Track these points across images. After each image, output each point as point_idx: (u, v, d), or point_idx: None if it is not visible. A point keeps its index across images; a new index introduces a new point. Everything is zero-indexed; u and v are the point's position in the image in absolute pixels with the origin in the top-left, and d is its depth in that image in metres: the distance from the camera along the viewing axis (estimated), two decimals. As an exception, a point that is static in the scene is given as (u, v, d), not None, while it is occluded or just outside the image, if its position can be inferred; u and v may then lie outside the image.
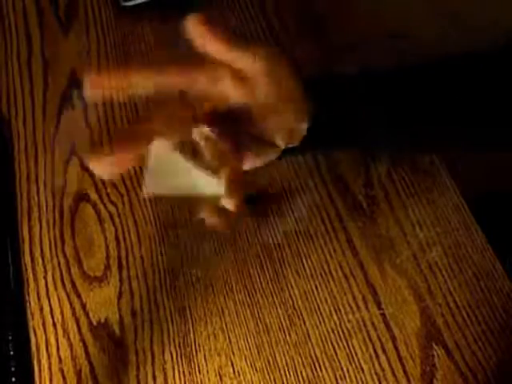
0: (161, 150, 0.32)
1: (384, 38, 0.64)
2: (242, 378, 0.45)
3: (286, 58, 0.36)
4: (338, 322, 0.47)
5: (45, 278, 0.48)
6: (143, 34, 0.62)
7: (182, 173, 0.33)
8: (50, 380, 0.44)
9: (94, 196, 0.52)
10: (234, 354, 0.46)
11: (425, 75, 0.41)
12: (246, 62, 0.33)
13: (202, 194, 0.34)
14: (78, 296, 0.48)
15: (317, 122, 0.38)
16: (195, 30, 0.32)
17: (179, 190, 0.34)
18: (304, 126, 0.37)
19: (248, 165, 0.37)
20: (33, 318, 0.47)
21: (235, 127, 0.35)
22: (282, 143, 0.37)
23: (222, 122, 0.34)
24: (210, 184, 0.33)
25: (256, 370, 0.45)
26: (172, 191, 0.34)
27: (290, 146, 0.39)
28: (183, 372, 0.45)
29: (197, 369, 0.45)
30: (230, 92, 0.34)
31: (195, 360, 0.45)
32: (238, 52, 0.33)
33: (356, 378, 0.45)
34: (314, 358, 0.45)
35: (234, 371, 0.45)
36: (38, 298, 0.47)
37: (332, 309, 0.47)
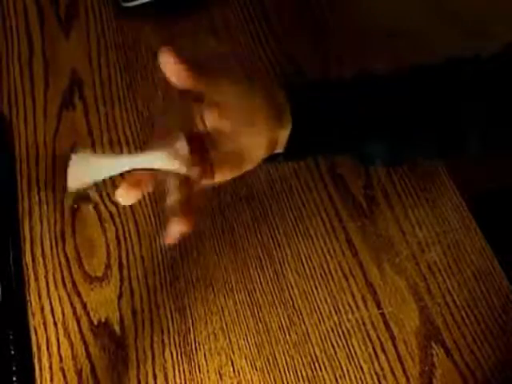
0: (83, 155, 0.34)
1: (383, 37, 0.64)
2: (241, 377, 0.45)
3: (253, 77, 0.39)
4: (337, 322, 0.47)
5: (46, 277, 0.48)
6: (143, 34, 0.62)
7: (106, 162, 0.34)
8: (51, 379, 0.44)
9: (94, 196, 0.52)
10: (233, 353, 0.46)
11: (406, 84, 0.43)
12: (213, 90, 0.36)
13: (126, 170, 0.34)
14: (79, 295, 0.48)
15: (304, 128, 0.39)
16: (165, 67, 0.34)
17: (107, 173, 0.34)
18: (280, 135, 0.39)
19: (220, 177, 0.38)
20: (34, 318, 0.47)
21: (210, 144, 0.37)
22: (259, 154, 0.39)
23: (196, 141, 0.36)
24: (143, 160, 0.33)
25: (256, 369, 0.45)
26: (98, 178, 0.34)
27: (274, 152, 0.40)
28: (183, 371, 0.45)
29: (197, 368, 0.45)
30: (206, 117, 0.36)
31: (195, 359, 0.45)
32: (205, 83, 0.36)
33: (355, 377, 0.45)
34: (314, 358, 0.46)
35: (233, 370, 0.45)
36: (39, 298, 0.47)
37: (331, 308, 0.48)
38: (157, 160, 0.33)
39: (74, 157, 0.35)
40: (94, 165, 0.34)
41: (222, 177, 0.38)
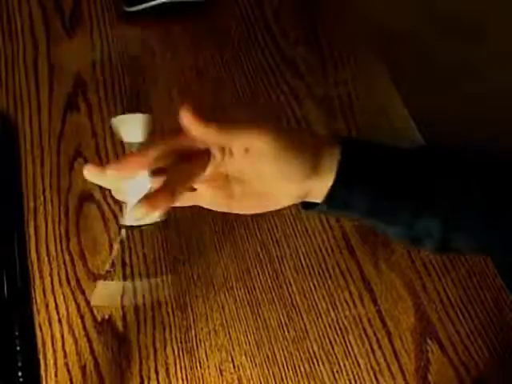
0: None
1: (381, 40, 0.65)
2: (241, 372, 0.46)
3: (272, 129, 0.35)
4: (334, 319, 0.48)
5: (50, 275, 0.49)
6: (146, 38, 0.63)
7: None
8: (56, 374, 0.45)
9: (98, 196, 0.53)
10: (233, 349, 0.46)
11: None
12: (237, 142, 0.34)
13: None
14: (83, 293, 0.48)
15: (348, 185, 0.35)
16: (186, 124, 0.33)
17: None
18: (314, 187, 0.35)
19: (238, 210, 0.37)
20: (39, 315, 0.47)
21: (234, 180, 0.36)
22: (285, 202, 0.37)
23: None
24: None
25: (255, 365, 0.46)
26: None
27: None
28: (184, 367, 0.46)
29: (198, 364, 0.46)
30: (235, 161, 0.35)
31: (196, 355, 0.46)
32: (227, 135, 0.34)
33: (352, 372, 0.46)
34: (312, 354, 0.47)
35: (234, 366, 0.46)
36: (44, 295, 0.48)
37: (329, 305, 0.49)
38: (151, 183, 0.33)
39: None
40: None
41: (239, 210, 0.37)
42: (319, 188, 0.36)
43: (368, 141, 0.37)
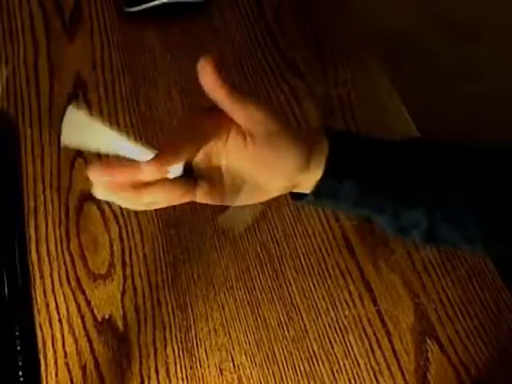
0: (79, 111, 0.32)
1: (381, 41, 0.65)
2: (241, 372, 0.46)
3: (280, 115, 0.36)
4: (334, 318, 0.48)
5: (51, 275, 0.49)
6: (146, 38, 0.64)
7: (100, 132, 0.33)
8: (56, 374, 0.45)
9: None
10: (233, 348, 0.47)
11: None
12: (246, 114, 0.34)
13: (119, 155, 0.34)
14: (83, 293, 0.49)
15: (336, 177, 0.36)
16: (205, 76, 0.33)
17: (96, 145, 0.33)
18: (304, 179, 0.36)
19: (227, 201, 0.37)
20: (39, 314, 0.48)
21: (225, 168, 0.36)
22: (273, 193, 0.37)
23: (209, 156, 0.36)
24: (131, 149, 0.33)
25: (255, 364, 0.46)
26: (88, 146, 0.33)
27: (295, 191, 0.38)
28: (185, 366, 0.46)
29: (198, 363, 0.46)
30: (229, 143, 0.36)
31: (196, 355, 0.46)
32: (241, 104, 0.34)
33: (352, 372, 0.46)
34: (312, 353, 0.47)
35: (234, 366, 0.46)
36: (44, 295, 0.48)
37: (329, 305, 0.49)
38: (145, 156, 0.33)
39: (70, 109, 0.32)
40: (87, 127, 0.33)
41: (231, 202, 0.37)
42: (307, 181, 0.37)
43: (355, 134, 0.39)
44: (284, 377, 0.46)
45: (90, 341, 0.47)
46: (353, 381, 0.46)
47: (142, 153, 0.34)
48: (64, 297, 0.48)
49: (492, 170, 0.38)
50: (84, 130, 0.33)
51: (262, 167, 0.36)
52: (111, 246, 0.51)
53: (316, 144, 0.36)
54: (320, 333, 0.47)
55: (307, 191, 0.38)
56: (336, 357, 0.47)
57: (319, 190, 0.37)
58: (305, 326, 0.48)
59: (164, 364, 0.46)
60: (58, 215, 0.52)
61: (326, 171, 0.36)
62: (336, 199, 0.38)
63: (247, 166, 0.36)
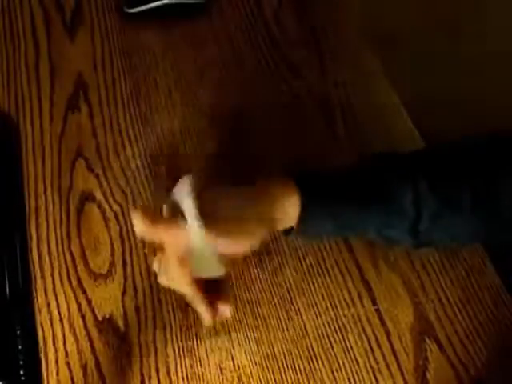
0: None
1: (380, 41, 0.65)
2: (241, 371, 0.46)
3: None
4: (334, 317, 0.48)
5: (52, 274, 0.49)
6: (147, 39, 0.64)
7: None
8: (57, 373, 0.45)
9: (99, 196, 0.53)
10: (234, 348, 0.47)
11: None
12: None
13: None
14: (84, 292, 0.49)
15: (314, 211, 0.39)
16: (140, 226, 0.35)
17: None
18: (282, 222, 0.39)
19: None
20: (40, 314, 0.48)
21: None
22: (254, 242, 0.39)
23: None
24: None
25: (255, 363, 0.46)
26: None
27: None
28: (185, 365, 0.46)
29: (198, 362, 0.46)
30: None
31: (197, 354, 0.46)
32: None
33: (351, 370, 0.46)
34: (311, 352, 0.47)
35: (234, 365, 0.46)
36: (45, 294, 0.48)
37: (328, 304, 0.49)
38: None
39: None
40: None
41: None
42: (287, 225, 0.40)
43: (319, 173, 0.40)
44: (284, 376, 0.46)
45: (90, 340, 0.47)
46: (352, 380, 0.46)
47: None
48: (65, 296, 0.48)
49: (460, 172, 0.39)
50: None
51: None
52: (112, 245, 0.51)
53: (283, 201, 0.39)
54: (319, 332, 0.48)
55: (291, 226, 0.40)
56: (335, 356, 0.47)
57: (300, 232, 0.40)
58: (304, 325, 0.48)
59: (164, 363, 0.46)
60: (59, 215, 0.52)
61: (302, 219, 0.39)
62: (318, 235, 0.42)
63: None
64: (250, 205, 0.38)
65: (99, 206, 0.53)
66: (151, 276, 0.50)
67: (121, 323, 0.47)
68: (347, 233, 0.41)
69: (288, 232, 0.41)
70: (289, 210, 0.39)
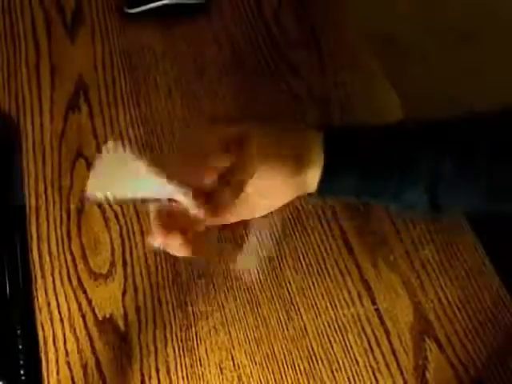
0: (112, 151, 0.33)
1: (378, 43, 0.65)
2: (241, 370, 0.46)
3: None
4: (333, 317, 0.48)
5: (52, 274, 0.50)
6: (147, 39, 0.64)
7: (130, 173, 0.32)
8: (57, 372, 0.46)
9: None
10: (234, 347, 0.47)
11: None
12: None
13: (149, 197, 0.33)
14: (84, 292, 0.49)
15: (337, 168, 0.38)
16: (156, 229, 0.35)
17: (124, 191, 0.33)
18: (308, 178, 0.38)
19: (234, 218, 0.39)
20: (40, 313, 0.48)
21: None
22: (282, 202, 0.39)
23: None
24: (162, 188, 0.33)
25: (255, 363, 0.46)
26: (116, 193, 0.32)
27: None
28: (185, 365, 0.46)
29: (198, 362, 0.46)
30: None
31: (197, 353, 0.47)
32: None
33: (351, 370, 0.46)
34: (311, 352, 0.47)
35: (234, 364, 0.46)
36: (46, 294, 0.49)
37: (328, 304, 0.49)
38: (178, 195, 0.33)
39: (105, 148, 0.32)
40: (117, 170, 0.32)
41: (236, 217, 0.38)
42: (310, 182, 0.38)
43: (347, 127, 0.40)
44: (283, 375, 0.46)
45: (91, 340, 0.47)
46: (352, 379, 0.46)
47: (174, 191, 0.33)
48: (65, 296, 0.49)
49: (474, 137, 0.40)
50: (114, 174, 0.33)
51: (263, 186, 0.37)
52: (112, 245, 0.51)
53: (311, 146, 0.38)
54: (319, 332, 0.48)
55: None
56: (335, 355, 0.47)
57: (320, 190, 0.38)
58: (304, 324, 0.48)
59: (164, 362, 0.46)
60: (60, 215, 0.52)
61: (326, 170, 0.37)
62: (337, 195, 0.40)
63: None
64: (283, 136, 0.38)
65: (99, 206, 0.53)
66: (151, 276, 0.50)
67: (121, 323, 0.48)
68: (367, 190, 0.40)
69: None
70: (315, 150, 0.38)
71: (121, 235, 0.52)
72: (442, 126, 0.40)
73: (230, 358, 0.46)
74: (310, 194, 0.40)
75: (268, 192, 0.38)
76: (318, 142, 0.38)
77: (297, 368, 0.46)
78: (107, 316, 0.48)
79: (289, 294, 0.49)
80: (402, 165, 0.39)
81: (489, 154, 0.39)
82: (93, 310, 0.48)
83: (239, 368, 0.46)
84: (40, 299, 0.48)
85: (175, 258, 0.51)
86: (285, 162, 0.37)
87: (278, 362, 0.46)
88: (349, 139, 0.39)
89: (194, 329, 0.48)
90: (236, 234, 0.52)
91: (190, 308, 0.48)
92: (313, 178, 0.38)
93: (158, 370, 0.46)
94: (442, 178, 0.39)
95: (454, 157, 0.39)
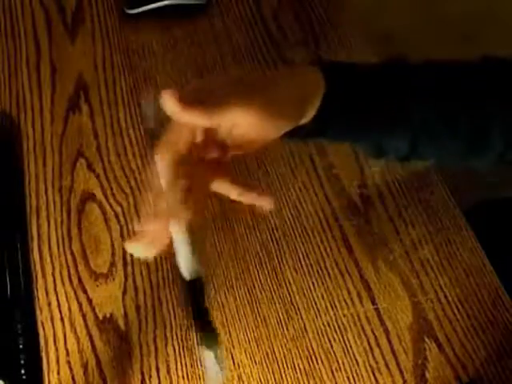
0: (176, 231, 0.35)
1: (378, 40, 0.65)
2: (241, 370, 0.46)
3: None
4: (333, 317, 0.49)
5: (53, 274, 0.50)
6: (147, 40, 0.64)
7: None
8: (58, 372, 0.46)
9: (99, 196, 0.54)
10: (233, 347, 0.47)
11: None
12: (223, 121, 0.35)
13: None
14: (85, 292, 0.49)
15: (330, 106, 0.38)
16: (170, 107, 0.34)
17: None
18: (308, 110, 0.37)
19: (236, 151, 0.38)
20: (41, 313, 0.48)
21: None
22: (282, 129, 0.37)
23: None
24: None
25: (255, 362, 0.47)
26: None
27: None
28: (185, 364, 0.46)
29: (198, 361, 0.46)
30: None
31: (197, 353, 0.46)
32: (213, 116, 0.35)
33: (351, 370, 0.46)
34: (311, 351, 0.47)
35: (233, 364, 0.46)
36: (46, 294, 0.49)
37: (328, 304, 0.49)
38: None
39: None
40: None
41: (238, 150, 0.37)
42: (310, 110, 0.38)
43: (346, 64, 0.40)
44: (283, 375, 0.46)
45: (91, 339, 0.47)
46: (351, 379, 0.46)
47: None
48: (66, 295, 0.49)
49: (456, 84, 0.40)
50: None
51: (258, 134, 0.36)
52: (112, 245, 0.51)
53: (310, 87, 0.37)
54: (319, 331, 0.48)
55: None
56: (335, 355, 0.47)
57: (307, 133, 0.38)
58: (304, 324, 0.48)
59: (165, 362, 0.46)
60: (60, 215, 0.53)
61: (320, 112, 0.37)
62: (324, 136, 0.40)
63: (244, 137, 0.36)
64: (276, 78, 0.37)
65: (100, 206, 0.53)
66: (151, 276, 0.50)
67: (121, 322, 0.48)
68: (345, 139, 0.41)
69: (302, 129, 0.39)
70: (313, 81, 0.37)
71: (121, 235, 0.52)
72: (428, 71, 0.41)
73: (229, 357, 0.47)
74: (301, 129, 0.39)
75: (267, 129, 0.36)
76: (319, 89, 0.37)
77: (296, 367, 0.46)
78: (107, 315, 0.48)
79: (289, 293, 0.49)
80: (391, 112, 0.39)
81: (468, 100, 0.40)
82: (93, 310, 0.48)
83: (239, 367, 0.46)
84: (41, 299, 0.49)
85: (175, 257, 0.51)
86: (286, 119, 0.36)
87: (277, 362, 0.47)
88: (346, 70, 0.39)
89: (194, 328, 0.48)
90: (235, 234, 0.52)
91: (190, 308, 0.48)
92: (312, 106, 0.37)
93: (158, 370, 0.46)
94: (425, 124, 0.39)
95: (438, 105, 0.39)
